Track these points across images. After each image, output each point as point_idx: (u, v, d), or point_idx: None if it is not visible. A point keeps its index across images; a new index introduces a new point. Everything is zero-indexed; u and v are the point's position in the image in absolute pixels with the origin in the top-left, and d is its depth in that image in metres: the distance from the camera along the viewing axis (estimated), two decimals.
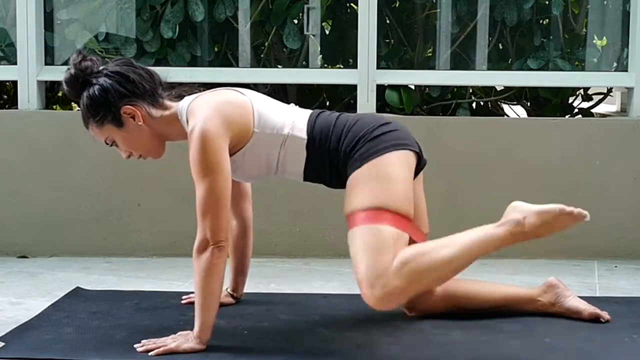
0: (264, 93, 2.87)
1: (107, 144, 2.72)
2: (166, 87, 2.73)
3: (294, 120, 2.70)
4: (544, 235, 2.54)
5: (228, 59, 4.33)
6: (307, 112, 2.76)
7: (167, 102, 2.71)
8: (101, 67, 2.67)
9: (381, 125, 2.68)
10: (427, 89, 4.33)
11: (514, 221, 2.54)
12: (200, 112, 2.58)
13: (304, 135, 2.68)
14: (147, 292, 3.26)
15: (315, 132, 2.68)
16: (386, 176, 2.58)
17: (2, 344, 2.59)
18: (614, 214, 3.87)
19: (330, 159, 2.68)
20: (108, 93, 2.63)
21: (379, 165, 2.60)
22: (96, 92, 2.63)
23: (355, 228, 2.57)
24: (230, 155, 2.61)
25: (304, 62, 4.33)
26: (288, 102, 2.85)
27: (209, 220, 2.50)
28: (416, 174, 2.73)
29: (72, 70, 2.66)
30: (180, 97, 2.72)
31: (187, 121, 2.62)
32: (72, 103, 4.44)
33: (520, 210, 2.55)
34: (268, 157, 2.69)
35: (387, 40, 4.37)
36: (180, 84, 2.79)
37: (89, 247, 3.90)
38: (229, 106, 2.63)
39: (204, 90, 2.74)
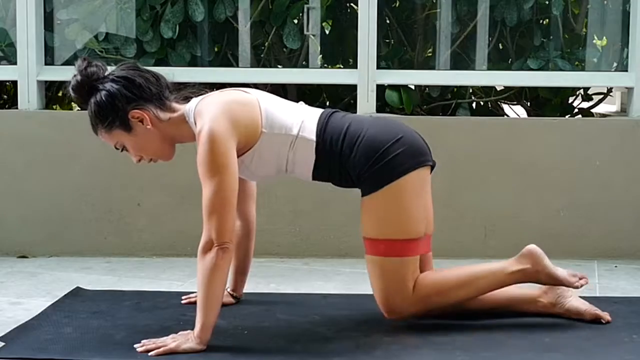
0: None
1: (117, 148, 2.72)
2: (172, 90, 2.74)
3: (304, 120, 2.70)
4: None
5: (228, 59, 4.33)
6: (317, 112, 2.75)
7: (175, 105, 2.71)
8: (107, 73, 2.67)
9: (395, 142, 2.67)
10: (427, 89, 4.33)
11: (527, 274, 2.74)
12: (208, 112, 2.59)
13: (313, 137, 2.68)
14: (147, 292, 3.26)
15: (326, 135, 2.68)
16: (403, 206, 2.67)
17: (2, 343, 2.59)
18: (614, 214, 3.86)
19: (341, 164, 2.68)
20: (115, 98, 2.63)
21: (395, 193, 2.66)
22: (103, 98, 2.63)
23: (376, 257, 2.70)
24: (239, 155, 2.62)
25: (304, 62, 4.33)
26: None
27: (215, 221, 2.50)
28: None
29: (78, 77, 2.66)
30: (187, 99, 2.73)
31: (195, 122, 2.62)
32: (72, 103, 4.44)
33: (537, 263, 2.73)
34: (277, 158, 2.69)
35: (387, 40, 4.37)
36: (186, 85, 2.79)
37: (89, 247, 3.90)
38: (237, 105, 2.64)
39: (209, 91, 2.74)
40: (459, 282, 2.73)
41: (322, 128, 2.69)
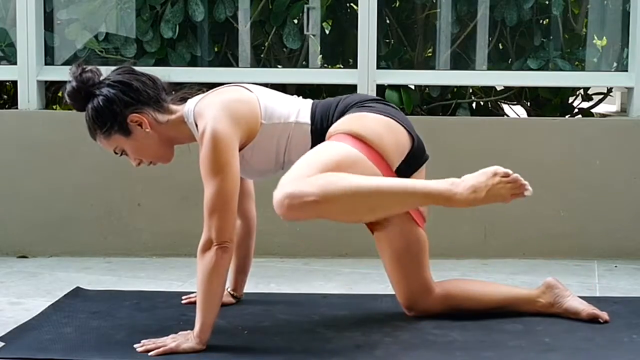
0: None
1: (116, 153, 2.71)
2: (169, 91, 2.73)
3: (299, 109, 2.72)
4: (479, 201, 2.45)
5: (228, 59, 4.33)
6: (310, 101, 2.78)
7: (172, 106, 2.70)
8: (102, 77, 2.67)
9: (375, 98, 2.73)
10: (427, 89, 4.33)
11: (451, 180, 2.47)
12: (209, 112, 2.58)
13: (308, 120, 2.69)
14: (147, 292, 3.26)
15: (317, 116, 2.70)
16: (363, 119, 2.61)
17: (2, 343, 2.60)
18: (614, 214, 3.87)
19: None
20: (113, 103, 2.62)
21: (360, 114, 2.63)
22: (101, 103, 2.63)
23: (320, 144, 2.60)
24: (240, 150, 2.62)
25: (304, 62, 4.33)
26: None
27: (216, 221, 2.50)
28: (415, 167, 2.73)
29: (74, 83, 2.65)
30: (184, 100, 2.72)
31: (196, 123, 2.62)
32: None
33: (464, 175, 2.49)
34: (277, 148, 2.69)
35: (387, 40, 4.37)
36: (182, 86, 2.79)
37: (89, 247, 3.90)
38: (237, 103, 2.64)
39: (206, 91, 2.74)
40: (374, 177, 2.47)
41: (314, 110, 2.72)
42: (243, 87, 2.73)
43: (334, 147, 2.55)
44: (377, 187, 2.42)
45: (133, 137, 2.66)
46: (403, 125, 2.67)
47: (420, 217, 2.74)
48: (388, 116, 2.66)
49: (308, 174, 2.41)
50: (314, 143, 2.68)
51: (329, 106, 2.73)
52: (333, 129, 2.63)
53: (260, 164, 2.73)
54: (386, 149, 2.58)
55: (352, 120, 2.62)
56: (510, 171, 2.46)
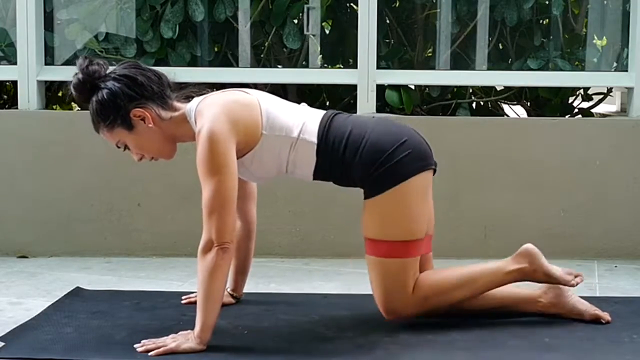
0: None
1: (118, 147, 2.72)
2: (174, 89, 2.73)
3: (305, 122, 2.69)
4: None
5: (228, 59, 4.33)
6: (319, 114, 2.74)
7: (176, 104, 2.71)
8: (108, 71, 2.67)
9: (399, 146, 2.66)
10: (427, 89, 4.33)
11: (524, 273, 2.75)
12: (208, 112, 2.58)
13: (315, 139, 2.67)
14: (147, 292, 3.26)
15: (329, 138, 2.67)
16: (406, 208, 2.67)
17: (2, 344, 2.60)
18: (614, 214, 3.87)
19: (344, 167, 2.67)
20: (117, 97, 2.62)
21: (398, 196, 2.66)
22: (105, 96, 2.63)
23: (377, 258, 2.69)
24: (239, 157, 2.61)
25: (304, 62, 4.33)
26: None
27: (215, 221, 2.50)
28: None
29: (80, 76, 2.65)
30: (188, 98, 2.72)
31: (196, 122, 2.62)
32: (72, 103, 4.44)
33: (534, 262, 2.74)
34: (278, 160, 2.68)
35: (387, 40, 4.37)
36: (188, 85, 2.79)
37: (89, 247, 3.90)
38: (237, 106, 2.63)
39: (211, 91, 2.74)
40: (458, 282, 2.74)
41: (324, 130, 2.68)
42: (246, 92, 2.73)
43: (402, 265, 2.69)
44: (469, 295, 2.78)
45: (135, 131, 2.66)
46: (426, 168, 2.70)
47: (427, 242, 2.81)
48: (416, 172, 2.67)
49: (404, 302, 2.71)
50: (320, 162, 2.68)
51: (342, 133, 2.67)
52: (374, 232, 2.69)
53: (261, 172, 2.72)
54: (424, 229, 2.73)
55: (398, 219, 2.66)
56: (575, 284, 2.79)
